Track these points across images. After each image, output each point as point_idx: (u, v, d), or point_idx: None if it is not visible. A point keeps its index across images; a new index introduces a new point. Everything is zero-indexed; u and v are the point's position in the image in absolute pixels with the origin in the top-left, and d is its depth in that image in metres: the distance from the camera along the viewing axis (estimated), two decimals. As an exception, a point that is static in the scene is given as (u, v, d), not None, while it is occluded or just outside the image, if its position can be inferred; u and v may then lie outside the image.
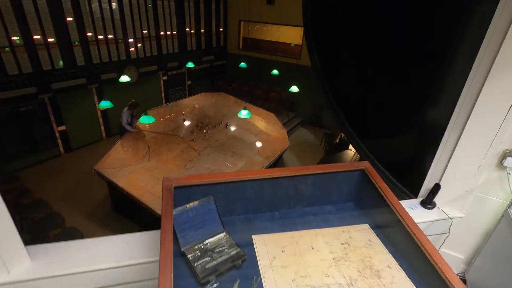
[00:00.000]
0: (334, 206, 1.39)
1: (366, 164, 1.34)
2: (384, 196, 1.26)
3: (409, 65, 1.81)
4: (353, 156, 5.44)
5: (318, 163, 6.67)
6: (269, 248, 1.16)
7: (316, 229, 1.27)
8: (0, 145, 6.25)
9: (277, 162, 7.11)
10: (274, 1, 9.92)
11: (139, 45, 8.42)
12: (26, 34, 6.02)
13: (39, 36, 6.23)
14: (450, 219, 1.83)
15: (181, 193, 1.16)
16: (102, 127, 8.21)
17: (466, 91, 1.57)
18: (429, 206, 1.91)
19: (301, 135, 10.13)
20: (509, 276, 1.58)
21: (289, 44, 11.96)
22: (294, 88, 6.95)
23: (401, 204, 1.25)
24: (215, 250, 1.10)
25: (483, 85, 1.45)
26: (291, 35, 11.71)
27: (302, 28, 9.82)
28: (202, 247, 1.11)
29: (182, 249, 1.09)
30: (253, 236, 1.22)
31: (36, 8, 6.04)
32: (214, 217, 1.19)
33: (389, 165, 2.28)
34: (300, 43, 10.28)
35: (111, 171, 5.16)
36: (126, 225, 5.37)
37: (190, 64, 8.93)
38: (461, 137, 1.69)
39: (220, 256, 1.08)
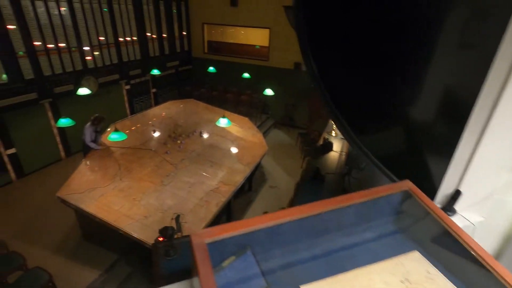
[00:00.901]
0: (378, 234, 1.23)
1: (409, 184, 1.21)
2: (436, 217, 1.13)
3: (417, 58, 1.69)
4: (339, 157, 5.44)
5: (304, 167, 6.61)
6: (323, 300, 0.96)
7: (368, 266, 1.10)
8: None
9: (257, 167, 6.94)
10: (237, 3, 9.73)
11: (96, 53, 7.71)
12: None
13: (-26, 48, 5.39)
14: (473, 225, 1.76)
15: (213, 248, 0.91)
16: (60, 146, 7.37)
17: (487, 90, 1.47)
18: (449, 213, 1.82)
19: (276, 136, 10.07)
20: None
21: (254, 46, 11.87)
22: (269, 91, 6.81)
23: (455, 223, 1.12)
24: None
25: (507, 83, 1.36)
26: (257, 36, 11.62)
27: (267, 30, 9.79)
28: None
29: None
30: (301, 287, 1.01)
31: (-31, 16, 5.22)
32: (255, 272, 0.96)
33: (395, 170, 2.17)
34: (267, 45, 10.21)
35: (78, 196, 4.58)
36: (101, 254, 4.82)
37: (154, 71, 8.40)
38: (483, 138, 1.61)
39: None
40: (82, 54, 7.35)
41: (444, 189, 1.88)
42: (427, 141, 2.12)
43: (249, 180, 6.71)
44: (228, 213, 5.85)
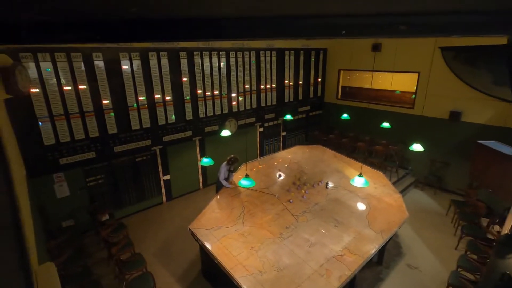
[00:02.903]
0: None
1: None
2: None
3: None
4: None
5: (487, 269, 4.84)
6: None
7: None
8: (117, 192, 6.90)
9: (392, 237, 5.64)
10: (381, 48, 9.09)
11: (240, 98, 8.70)
12: (149, 95, 6.82)
13: (159, 96, 6.99)
14: None
15: None
16: (200, 177, 8.43)
17: None
18: None
19: (417, 199, 8.22)
20: None
21: (394, 91, 10.66)
22: (417, 147, 5.59)
23: None
24: None
25: None
26: (399, 81, 10.43)
27: (416, 74, 8.56)
28: None
29: None
30: None
31: (160, 74, 6.88)
32: None
33: None
34: (413, 90, 8.90)
35: (205, 232, 4.83)
36: (213, 296, 4.81)
37: (287, 116, 8.65)
38: None
39: None
40: (230, 100, 8.43)
41: None
42: None
43: (381, 250, 5.49)
44: (350, 289, 4.84)
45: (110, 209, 6.31)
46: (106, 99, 6.20)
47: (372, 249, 4.62)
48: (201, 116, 7.91)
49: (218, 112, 8.25)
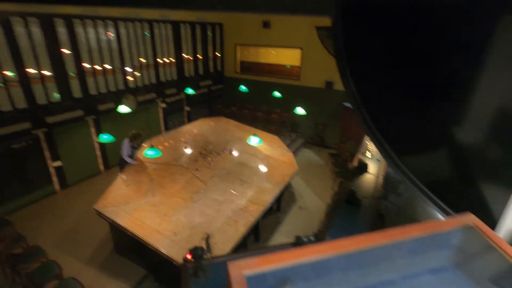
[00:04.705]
0: (434, 274, 1.08)
1: (472, 218, 1.06)
2: (504, 254, 0.97)
3: (465, 78, 1.56)
4: (375, 180, 5.15)
5: (337, 189, 6.34)
6: None
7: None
8: (-9, 186, 5.82)
9: (286, 187, 6.79)
10: (270, 25, 10.00)
11: (137, 73, 8.25)
12: (20, 68, 5.78)
13: (34, 71, 6.00)
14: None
15: (252, 282, 0.84)
16: (100, 160, 7.82)
17: None
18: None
19: (306, 156, 9.87)
20: None
21: (285, 65, 12.01)
22: (300, 110, 6.75)
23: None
24: None
25: None
26: (288, 56, 11.77)
27: (299, 50, 9.89)
28: None
29: None
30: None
31: (32, 44, 5.86)
32: (294, 312, 0.87)
33: (445, 198, 1.97)
34: (298, 64, 10.28)
35: (113, 209, 4.75)
36: (131, 269, 4.89)
37: (189, 90, 8.75)
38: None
39: None
40: (125, 74, 7.89)
41: (509, 223, 1.67)
42: (482, 168, 1.92)
43: (278, 200, 6.56)
44: (256, 233, 5.72)
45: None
46: (-44, 74, 4.99)
47: (270, 198, 5.54)
48: (92, 93, 7.20)
49: (112, 89, 7.66)
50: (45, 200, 6.67)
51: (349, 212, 4.12)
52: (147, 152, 4.59)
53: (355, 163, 5.98)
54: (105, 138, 5.39)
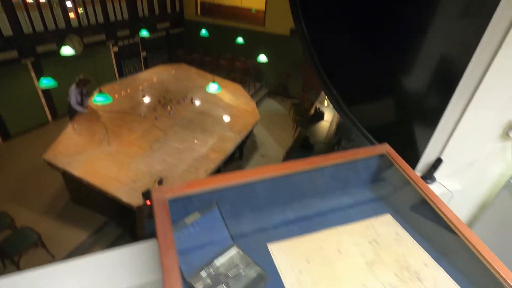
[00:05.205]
0: (352, 197, 1.22)
1: (387, 148, 1.18)
2: (412, 182, 1.11)
3: (413, 26, 1.61)
4: (329, 127, 5.41)
5: (296, 136, 6.59)
6: (291, 259, 0.96)
7: (338, 227, 1.10)
8: None
9: (249, 136, 6.91)
10: (233, -40, 9.04)
11: (80, 10, 7.23)
12: None
13: None
14: (451, 193, 1.79)
15: (176, 205, 0.88)
16: (46, 108, 7.16)
17: (477, 58, 1.41)
18: (429, 181, 1.84)
19: (269, 106, 9.92)
20: (507, 243, 1.60)
21: (250, 9, 11.26)
22: (263, 58, 6.57)
23: (430, 188, 1.11)
24: (230, 274, 0.87)
25: (497, 51, 1.30)
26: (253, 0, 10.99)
27: (265, -8, 9.22)
28: (213, 271, 0.87)
29: (188, 279, 0.84)
30: (268, 245, 1.00)
31: None
32: (220, 230, 0.95)
33: (381, 139, 2.13)
34: (263, 9, 9.69)
35: (65, 159, 4.53)
36: (90, 217, 4.89)
37: (143, 33, 7.97)
38: (468, 108, 1.57)
39: (238, 281, 0.86)
40: (65, 11, 6.87)
41: (426, 158, 1.88)
42: (416, 112, 2.07)
43: (240, 148, 6.71)
44: (217, 180, 5.90)
45: None
46: None
47: (231, 146, 5.62)
48: (26, 32, 6.25)
49: (51, 27, 6.69)
50: (-15, 153, 6.13)
51: (303, 156, 4.37)
52: (96, 99, 4.27)
53: (312, 111, 6.18)
54: (46, 83, 4.86)
